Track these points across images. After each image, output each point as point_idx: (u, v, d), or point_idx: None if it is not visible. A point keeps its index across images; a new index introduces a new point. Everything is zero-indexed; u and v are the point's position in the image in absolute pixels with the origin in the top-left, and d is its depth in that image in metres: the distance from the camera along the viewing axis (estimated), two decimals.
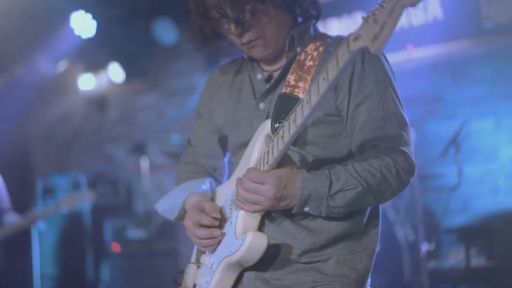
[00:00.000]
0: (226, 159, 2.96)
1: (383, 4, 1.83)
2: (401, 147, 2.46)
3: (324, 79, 2.06)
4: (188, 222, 2.55)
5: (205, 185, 2.79)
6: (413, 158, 2.48)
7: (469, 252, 6.42)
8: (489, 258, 6.45)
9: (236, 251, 2.38)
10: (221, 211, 2.58)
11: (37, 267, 8.40)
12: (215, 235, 2.50)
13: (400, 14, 1.79)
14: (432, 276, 6.39)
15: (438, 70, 7.43)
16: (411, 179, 2.49)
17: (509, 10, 6.99)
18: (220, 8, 2.49)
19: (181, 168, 3.00)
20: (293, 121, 2.21)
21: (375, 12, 1.85)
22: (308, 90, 2.21)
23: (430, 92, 7.13)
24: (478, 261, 6.49)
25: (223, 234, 2.51)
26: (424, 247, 6.27)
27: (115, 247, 7.85)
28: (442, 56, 7.38)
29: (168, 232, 7.70)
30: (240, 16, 2.47)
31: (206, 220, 2.50)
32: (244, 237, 2.37)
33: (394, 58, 7.15)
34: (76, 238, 8.45)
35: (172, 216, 2.79)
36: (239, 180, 2.36)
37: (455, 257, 6.70)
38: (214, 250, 2.55)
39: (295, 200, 2.33)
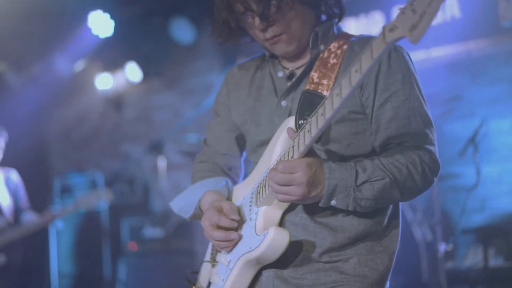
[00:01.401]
0: (242, 159, 2.93)
1: None
2: (426, 145, 2.45)
3: (356, 70, 2.04)
4: (205, 223, 2.51)
5: (221, 183, 2.76)
6: (438, 157, 2.46)
7: (487, 253, 6.39)
8: (507, 258, 6.42)
9: (257, 247, 2.34)
10: (239, 210, 2.55)
11: (55, 266, 8.45)
12: (232, 238, 2.47)
13: (440, 3, 1.80)
14: (450, 277, 6.37)
15: (456, 69, 7.40)
16: (435, 179, 2.47)
17: None
18: (245, 2, 2.46)
19: (196, 167, 2.96)
20: (321, 115, 2.18)
21: (413, 2, 1.84)
22: (337, 84, 2.19)
23: (448, 91, 7.10)
24: (496, 261, 6.46)
25: (240, 236, 2.47)
26: (442, 247, 6.25)
27: (132, 246, 7.87)
28: (460, 55, 7.34)
29: (185, 231, 7.70)
30: (266, 11, 2.44)
31: (225, 222, 2.47)
32: (266, 233, 2.32)
33: (412, 57, 7.11)
34: (93, 237, 8.48)
35: (187, 214, 2.77)
36: (269, 175, 2.31)
37: (472, 258, 6.67)
38: (231, 249, 2.51)
39: (323, 191, 2.30)
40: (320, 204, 2.33)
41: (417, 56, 7.19)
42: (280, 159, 2.39)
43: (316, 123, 2.20)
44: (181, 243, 7.72)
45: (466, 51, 7.30)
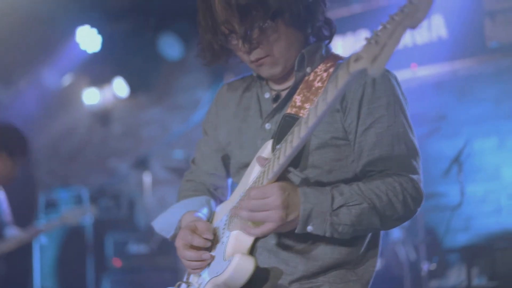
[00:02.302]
0: (229, 179, 2.88)
1: (386, 25, 1.79)
2: (410, 175, 2.36)
3: (323, 100, 2.01)
4: (178, 243, 2.48)
5: (203, 204, 2.72)
6: (422, 187, 2.38)
7: (470, 272, 6.39)
8: (491, 278, 6.41)
9: (222, 272, 2.31)
10: (214, 231, 2.52)
11: (38, 281, 8.39)
12: (203, 258, 2.43)
13: (401, 36, 1.76)
14: None
15: (443, 88, 7.44)
16: (418, 209, 2.39)
17: None
18: (229, 24, 2.41)
19: (182, 186, 2.93)
20: (290, 142, 2.15)
21: (378, 33, 1.80)
22: (308, 111, 2.16)
23: (434, 110, 7.12)
24: (479, 281, 6.46)
25: (212, 257, 2.44)
26: (425, 266, 6.25)
27: (116, 262, 7.83)
28: (446, 74, 7.39)
29: (170, 247, 7.65)
30: (249, 33, 2.38)
31: (198, 241, 2.43)
32: (231, 259, 2.30)
33: (399, 76, 7.15)
34: (77, 252, 8.43)
35: (168, 234, 2.72)
36: (240, 204, 2.30)
37: (456, 277, 6.67)
38: (204, 270, 2.48)
39: (299, 216, 2.25)
40: (296, 231, 2.27)
41: (404, 75, 7.23)
42: (253, 184, 2.37)
43: (284, 151, 2.18)
44: (165, 260, 7.69)
45: (452, 71, 7.35)
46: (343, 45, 7.77)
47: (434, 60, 7.36)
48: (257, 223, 2.29)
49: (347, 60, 1.91)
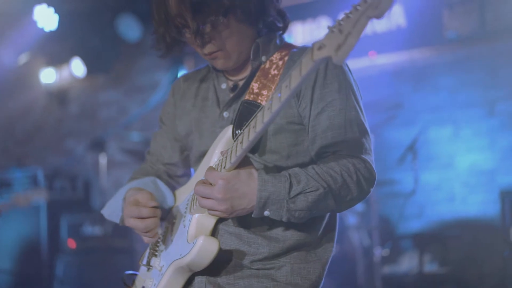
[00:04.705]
0: (186, 170, 2.94)
1: (349, 14, 1.84)
2: (362, 155, 2.45)
3: (286, 86, 2.05)
4: (129, 222, 2.51)
5: (147, 183, 2.76)
6: (374, 167, 2.46)
7: (422, 258, 6.49)
8: (442, 264, 6.53)
9: (186, 254, 2.36)
10: (176, 214, 2.59)
11: None
12: (157, 215, 2.47)
13: (365, 25, 1.81)
14: (385, 281, 6.46)
15: (400, 77, 7.51)
16: (371, 189, 2.47)
17: (471, 20, 7.10)
18: (182, 18, 2.47)
19: (131, 175, 2.98)
20: (253, 127, 2.19)
21: (341, 22, 1.85)
22: (270, 97, 2.21)
23: (391, 98, 7.20)
24: (431, 267, 6.57)
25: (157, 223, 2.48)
26: (379, 251, 6.33)
27: (71, 243, 7.78)
28: (404, 63, 7.46)
29: (125, 229, 7.63)
30: (201, 28, 2.45)
31: (146, 212, 2.46)
32: (195, 241, 2.35)
33: (357, 64, 7.21)
34: (31, 233, 8.35)
35: (117, 218, 2.73)
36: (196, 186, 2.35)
37: (408, 263, 6.77)
38: (165, 251, 2.54)
39: (253, 203, 2.29)
40: (253, 215, 2.33)
41: (362, 63, 7.28)
42: (215, 167, 2.40)
43: (247, 135, 2.22)
44: (120, 241, 7.66)
45: (410, 60, 7.43)
46: (303, 31, 7.80)
47: (393, 48, 7.43)
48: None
49: (310, 48, 1.96)
